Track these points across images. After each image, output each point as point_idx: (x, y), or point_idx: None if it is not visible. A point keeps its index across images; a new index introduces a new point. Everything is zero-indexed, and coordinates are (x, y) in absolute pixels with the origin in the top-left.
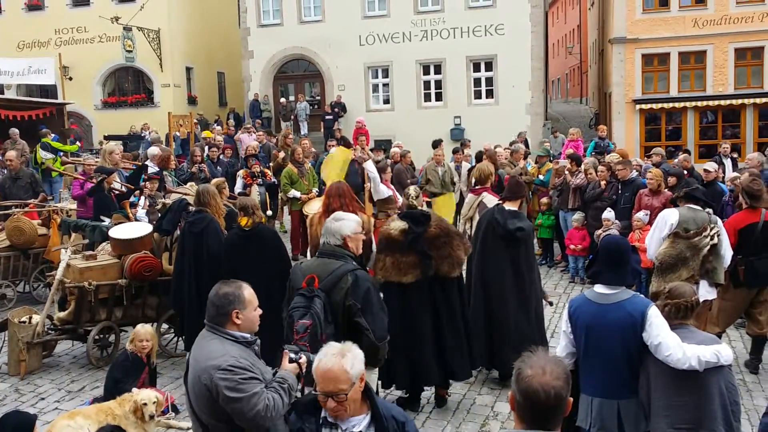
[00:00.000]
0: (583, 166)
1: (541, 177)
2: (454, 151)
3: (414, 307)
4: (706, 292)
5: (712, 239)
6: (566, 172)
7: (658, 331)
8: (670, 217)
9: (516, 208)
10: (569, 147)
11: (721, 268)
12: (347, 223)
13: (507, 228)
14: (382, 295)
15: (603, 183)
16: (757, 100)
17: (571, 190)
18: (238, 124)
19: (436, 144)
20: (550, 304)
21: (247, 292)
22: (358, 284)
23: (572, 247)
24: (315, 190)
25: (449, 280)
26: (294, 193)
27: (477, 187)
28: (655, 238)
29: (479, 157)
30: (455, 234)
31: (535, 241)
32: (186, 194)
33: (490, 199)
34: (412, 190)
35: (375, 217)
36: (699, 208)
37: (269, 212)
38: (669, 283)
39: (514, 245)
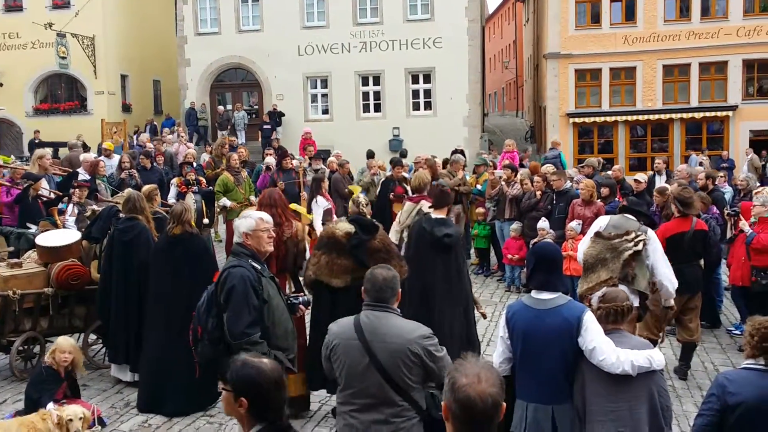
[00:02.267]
0: (518, 176)
1: (479, 187)
2: (393, 164)
3: (341, 314)
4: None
5: (635, 245)
6: (502, 183)
7: (592, 336)
8: (600, 221)
9: (443, 216)
10: (505, 158)
11: (644, 277)
12: (244, 221)
13: (435, 235)
14: (310, 297)
15: (539, 193)
16: (684, 115)
17: (507, 200)
18: (156, 131)
19: (370, 155)
20: (483, 316)
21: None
22: (226, 280)
23: (509, 256)
24: (253, 198)
25: None
26: (224, 201)
27: (415, 195)
28: (584, 241)
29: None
30: (395, 254)
31: (472, 251)
32: (118, 203)
33: (428, 207)
34: (361, 197)
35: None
36: (632, 217)
37: (206, 221)
38: (590, 283)
39: (443, 252)
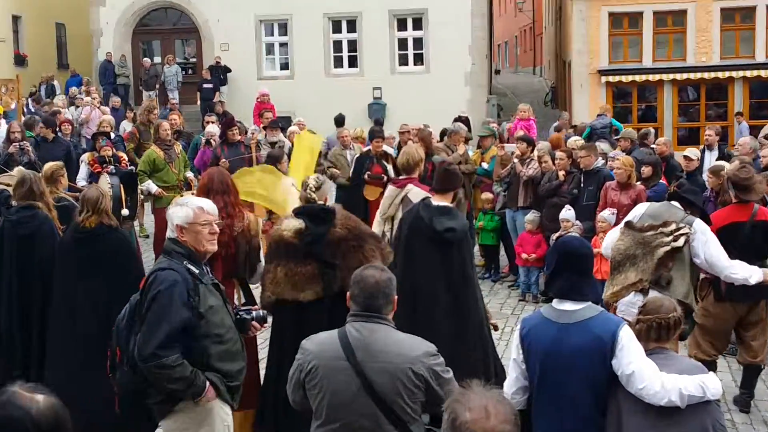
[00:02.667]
0: (536, 153)
1: (484, 165)
2: (372, 136)
3: (310, 334)
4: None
5: (674, 240)
6: (515, 160)
7: (631, 357)
8: (637, 209)
9: (447, 203)
10: (519, 127)
11: (683, 282)
12: (179, 211)
13: (434, 228)
14: (270, 318)
15: (562, 174)
16: (747, 73)
17: (521, 183)
18: (52, 94)
19: (340, 121)
20: (495, 328)
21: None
22: (151, 286)
23: (524, 256)
24: (190, 174)
25: None
26: (149, 185)
27: (401, 178)
28: (613, 233)
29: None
30: (368, 235)
31: (477, 248)
32: (7, 184)
33: (417, 193)
34: (311, 179)
35: (270, 219)
36: (678, 206)
37: (125, 211)
38: (615, 286)
39: (444, 251)
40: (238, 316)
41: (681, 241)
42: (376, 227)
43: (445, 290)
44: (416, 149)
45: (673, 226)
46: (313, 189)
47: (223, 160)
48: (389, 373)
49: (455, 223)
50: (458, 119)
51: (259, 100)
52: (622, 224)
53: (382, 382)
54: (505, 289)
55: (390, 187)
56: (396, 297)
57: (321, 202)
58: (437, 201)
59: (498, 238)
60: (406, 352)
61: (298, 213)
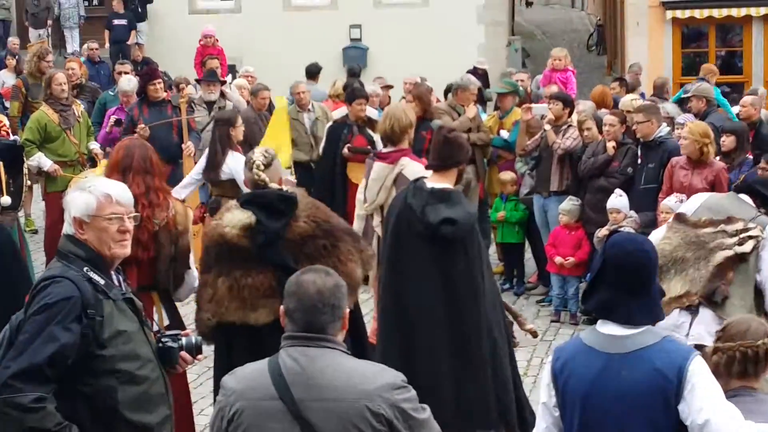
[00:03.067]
0: (575, 116)
1: (504, 134)
2: (353, 97)
3: None
4: (705, 330)
5: (740, 243)
6: (546, 127)
7: (704, 400)
8: (695, 199)
9: (447, 185)
10: (553, 81)
11: (742, 301)
12: (80, 197)
13: (426, 220)
14: (212, 346)
15: (611, 146)
16: None
17: (556, 158)
18: None
19: (313, 72)
20: (533, 334)
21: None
22: (34, 300)
23: (558, 260)
24: (95, 145)
25: None
26: (39, 160)
27: (390, 150)
28: (659, 230)
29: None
30: (343, 231)
31: (493, 248)
32: None
33: (416, 170)
34: (257, 154)
35: (206, 208)
36: (748, 200)
37: (5, 198)
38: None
39: (441, 251)
40: (161, 345)
41: (748, 246)
42: (358, 223)
43: (444, 307)
44: (404, 111)
45: (739, 225)
46: (261, 167)
47: (142, 126)
48: (337, 416)
49: (456, 212)
50: (473, 72)
51: (202, 43)
52: (671, 218)
53: (329, 427)
54: (532, 305)
55: (376, 165)
56: (347, 310)
57: (274, 186)
58: (433, 182)
59: (523, 235)
60: (360, 385)
61: (244, 203)
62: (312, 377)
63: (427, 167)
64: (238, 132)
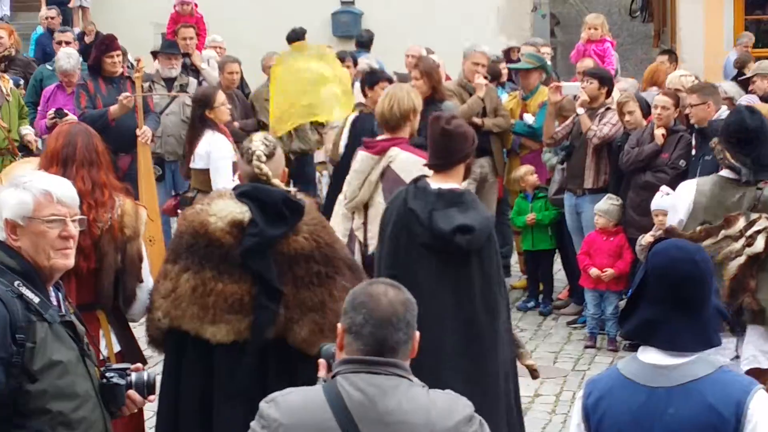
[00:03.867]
0: (614, 97)
1: (527, 118)
2: (374, 81)
3: (234, 404)
4: (757, 349)
5: (749, 243)
6: (580, 111)
7: None
8: (681, 197)
9: (455, 184)
10: (588, 54)
11: None
12: (12, 195)
13: (436, 230)
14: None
15: (660, 134)
16: None
17: (590, 149)
18: None
19: (296, 39)
20: (533, 374)
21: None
22: None
23: (593, 272)
24: (28, 130)
25: (304, 361)
26: None
27: (382, 138)
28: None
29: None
30: (346, 264)
31: (515, 258)
32: None
33: (407, 163)
34: (257, 142)
35: (177, 200)
36: (735, 176)
37: None
38: None
39: (454, 265)
40: (106, 381)
41: (760, 243)
42: (339, 223)
43: (457, 336)
44: (408, 92)
45: (741, 222)
46: (263, 158)
47: (126, 94)
48: None
49: (471, 217)
50: (507, 56)
51: (176, 9)
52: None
53: None
54: (561, 327)
55: (360, 154)
56: (418, 334)
57: (278, 183)
58: (438, 182)
59: (554, 241)
60: (440, 422)
61: (242, 194)
62: (386, 413)
63: (427, 166)
64: (219, 113)
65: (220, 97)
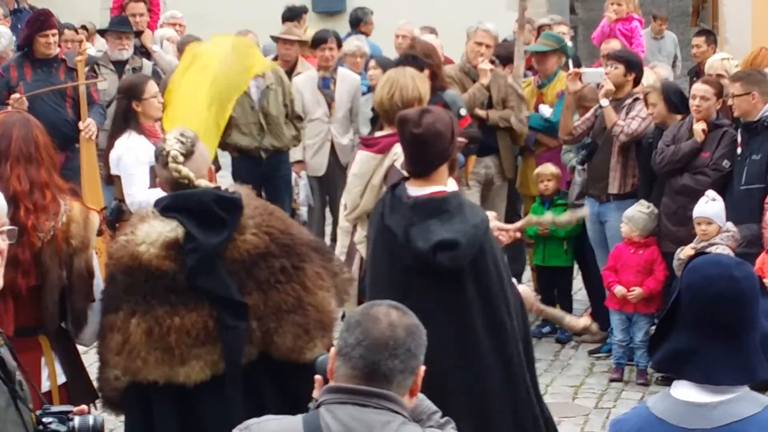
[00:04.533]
0: (644, 85)
1: (544, 110)
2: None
3: None
4: None
5: None
6: (603, 102)
7: None
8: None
9: (438, 187)
10: (612, 33)
11: None
12: None
13: (414, 248)
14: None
15: (700, 129)
16: None
17: (616, 147)
18: None
19: (294, 16)
20: (591, 332)
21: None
22: None
23: (618, 291)
24: None
25: (297, 370)
26: None
27: (382, 134)
28: None
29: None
30: (310, 247)
31: (528, 275)
32: None
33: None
34: (171, 140)
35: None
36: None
37: None
38: None
39: (444, 289)
40: (43, 428)
41: None
42: (341, 241)
43: (457, 370)
44: (413, 77)
45: None
46: (179, 158)
47: (16, 95)
48: None
49: (455, 228)
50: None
51: None
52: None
53: None
54: (582, 357)
55: (360, 154)
56: (423, 370)
57: (204, 183)
58: (417, 188)
59: (573, 256)
60: None
61: (165, 209)
62: None
63: (407, 169)
64: (148, 107)
65: (152, 88)
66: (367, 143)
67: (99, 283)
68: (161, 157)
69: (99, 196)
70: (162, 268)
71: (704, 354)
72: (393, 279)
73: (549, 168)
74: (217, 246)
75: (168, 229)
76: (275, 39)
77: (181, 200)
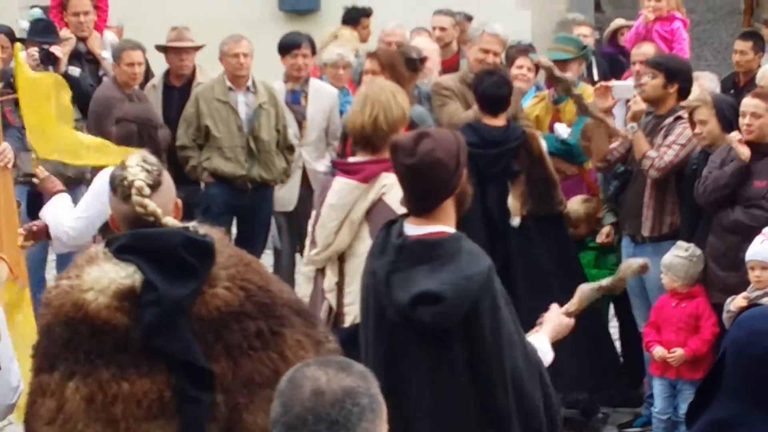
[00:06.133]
0: (692, 99)
1: (561, 130)
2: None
3: None
4: None
5: None
6: (631, 128)
7: None
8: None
9: (438, 227)
10: (648, 36)
11: None
12: None
13: (393, 298)
14: None
15: (738, 140)
16: None
17: (650, 177)
18: None
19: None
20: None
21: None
22: None
23: (657, 353)
24: None
25: None
26: None
27: (366, 160)
28: None
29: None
30: (291, 308)
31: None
32: None
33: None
34: (134, 167)
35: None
36: None
37: None
38: None
39: (431, 347)
40: None
41: None
42: (302, 285)
43: None
44: (392, 92)
45: None
46: (145, 190)
47: None
48: None
49: (445, 279)
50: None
51: None
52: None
53: None
54: (613, 431)
55: (339, 182)
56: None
57: (171, 221)
58: (414, 227)
59: (608, 311)
60: None
61: (122, 249)
62: None
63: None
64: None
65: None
66: (346, 169)
67: (6, 342)
68: (121, 188)
69: (16, 234)
70: (112, 322)
71: (749, 426)
72: (381, 334)
73: (578, 209)
74: (183, 299)
75: (123, 275)
76: (162, 48)
77: (141, 240)
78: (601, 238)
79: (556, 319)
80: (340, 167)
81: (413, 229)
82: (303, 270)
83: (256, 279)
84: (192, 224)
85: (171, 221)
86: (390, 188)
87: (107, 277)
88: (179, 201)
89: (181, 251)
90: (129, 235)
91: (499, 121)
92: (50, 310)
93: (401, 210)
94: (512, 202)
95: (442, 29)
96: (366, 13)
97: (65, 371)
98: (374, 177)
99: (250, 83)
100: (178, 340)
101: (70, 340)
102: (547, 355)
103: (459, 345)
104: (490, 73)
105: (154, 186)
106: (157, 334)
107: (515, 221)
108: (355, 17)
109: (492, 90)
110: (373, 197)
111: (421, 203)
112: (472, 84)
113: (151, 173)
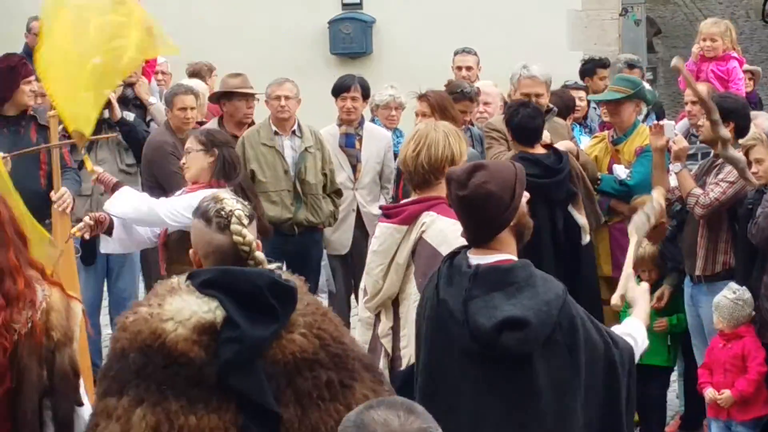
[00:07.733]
0: (748, 138)
1: (620, 170)
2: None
3: None
4: None
5: None
6: (675, 167)
7: None
8: None
9: (504, 255)
10: (703, 76)
11: None
12: None
13: (474, 326)
14: None
15: None
16: None
17: (702, 217)
18: None
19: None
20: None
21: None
22: None
23: (710, 393)
24: None
25: None
26: None
27: (408, 201)
28: None
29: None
30: (362, 363)
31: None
32: None
33: (448, 231)
34: (230, 199)
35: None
36: None
37: None
38: None
39: (508, 375)
40: None
41: None
42: (360, 334)
43: None
44: (446, 132)
45: None
46: (244, 220)
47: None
48: None
49: (526, 304)
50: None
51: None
52: None
53: None
54: None
55: (381, 228)
56: None
57: (260, 258)
58: (478, 256)
59: (673, 355)
60: None
61: (206, 283)
62: None
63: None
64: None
65: None
66: (388, 213)
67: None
68: (218, 219)
69: (75, 280)
70: (188, 355)
71: None
72: (450, 365)
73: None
74: (263, 341)
75: (205, 309)
76: (224, 95)
77: (227, 277)
78: (653, 302)
79: (645, 305)
80: (384, 211)
81: (479, 258)
82: (362, 317)
83: (332, 329)
84: (275, 265)
85: (261, 256)
86: (429, 226)
87: (189, 309)
88: (260, 243)
89: (266, 292)
90: (215, 271)
91: (541, 150)
92: (126, 335)
93: (441, 246)
94: (583, 221)
95: (468, 68)
96: None
97: (134, 397)
98: (414, 217)
99: (295, 127)
100: (254, 381)
101: (144, 368)
102: (644, 344)
103: (540, 368)
104: (525, 104)
105: (251, 218)
106: (234, 371)
107: (586, 239)
108: None
109: (526, 122)
110: (414, 237)
111: (476, 234)
112: (504, 117)
113: (246, 206)
